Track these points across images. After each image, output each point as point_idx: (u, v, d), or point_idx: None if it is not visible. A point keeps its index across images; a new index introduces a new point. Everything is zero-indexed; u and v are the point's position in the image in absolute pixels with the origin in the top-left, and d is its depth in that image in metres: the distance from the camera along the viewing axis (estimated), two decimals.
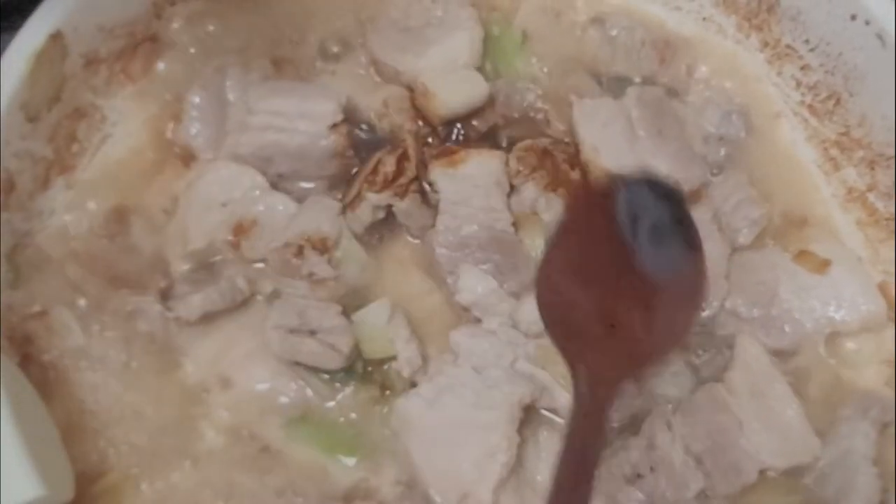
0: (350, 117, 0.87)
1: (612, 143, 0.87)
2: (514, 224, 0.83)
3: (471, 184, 0.83)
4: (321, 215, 0.82)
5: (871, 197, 0.89)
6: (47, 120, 0.80)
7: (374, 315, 0.79)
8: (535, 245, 0.83)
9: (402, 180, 0.82)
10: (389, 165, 0.83)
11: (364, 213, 0.82)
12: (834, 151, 0.92)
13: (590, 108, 0.89)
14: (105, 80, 0.85)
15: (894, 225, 0.87)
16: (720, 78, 0.96)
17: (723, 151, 0.91)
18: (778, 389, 0.78)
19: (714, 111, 0.92)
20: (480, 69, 0.91)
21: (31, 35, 0.76)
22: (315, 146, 0.84)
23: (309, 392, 0.78)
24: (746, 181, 0.88)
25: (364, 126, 0.89)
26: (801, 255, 0.85)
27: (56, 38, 0.78)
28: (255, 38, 0.91)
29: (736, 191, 0.88)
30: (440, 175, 0.84)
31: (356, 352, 0.78)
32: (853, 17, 0.85)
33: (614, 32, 0.94)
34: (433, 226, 0.83)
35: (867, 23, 0.84)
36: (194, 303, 0.77)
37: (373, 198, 0.82)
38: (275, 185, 0.85)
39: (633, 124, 0.88)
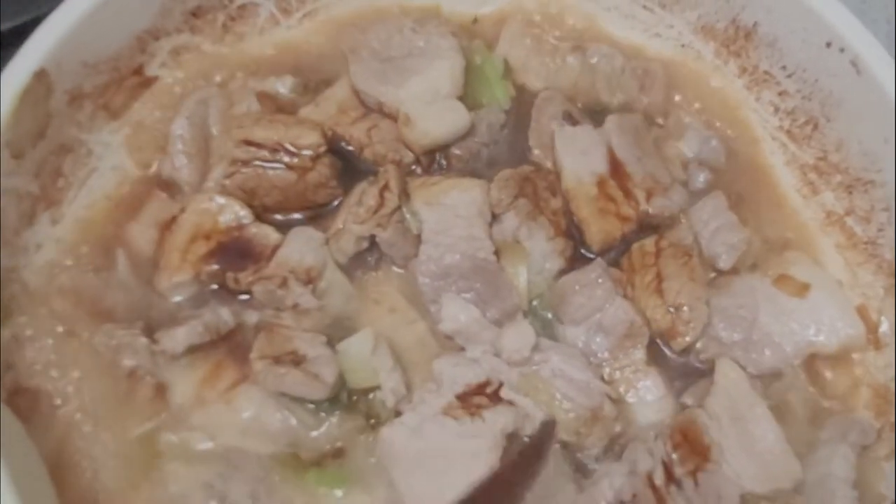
0: (333, 148, 0.88)
1: (591, 171, 0.88)
2: (496, 252, 0.84)
3: (453, 213, 0.84)
4: (305, 246, 0.83)
5: (849, 221, 0.90)
6: (32, 156, 0.81)
7: (358, 345, 0.79)
8: (517, 273, 0.84)
9: (385, 211, 0.83)
10: (372, 196, 0.83)
11: (347, 244, 0.83)
12: (812, 176, 0.93)
13: (570, 135, 0.90)
14: (90, 115, 0.86)
15: (872, 249, 0.89)
16: (699, 104, 0.97)
17: (702, 177, 0.93)
18: (758, 414, 0.79)
19: (693, 136, 0.94)
20: (462, 98, 0.91)
21: (15, 74, 0.77)
22: (300, 178, 0.85)
23: (293, 421, 0.78)
24: (725, 206, 0.89)
25: (348, 156, 0.90)
26: (781, 280, 0.86)
27: (40, 76, 0.78)
28: (236, 72, 0.92)
29: (715, 216, 0.89)
30: (422, 205, 0.84)
31: (341, 382, 0.79)
32: (828, 45, 0.86)
33: (594, 60, 0.96)
34: (416, 255, 0.84)
35: (842, 50, 0.85)
36: (179, 336, 0.78)
37: (356, 229, 0.83)
38: (259, 217, 0.85)
39: (614, 150, 0.89)
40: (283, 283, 0.80)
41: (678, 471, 0.76)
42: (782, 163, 0.95)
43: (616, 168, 0.88)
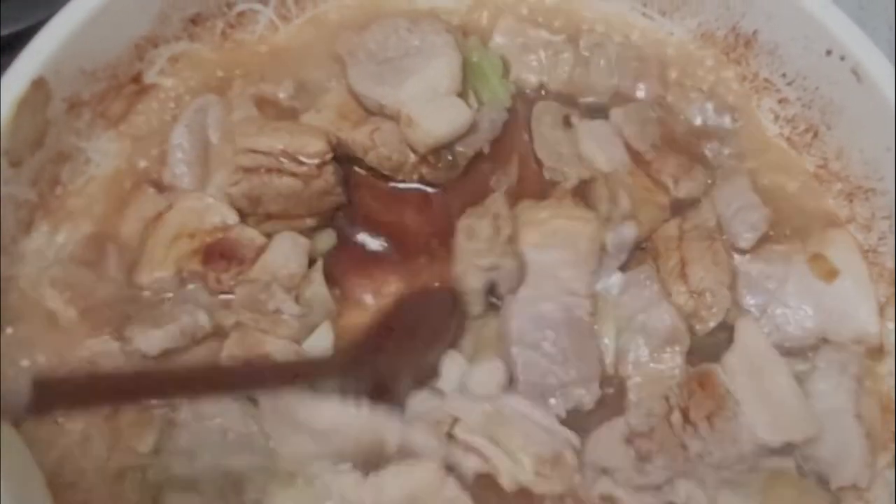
0: (337, 153, 0.87)
1: (620, 161, 0.89)
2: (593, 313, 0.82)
3: (560, 259, 0.82)
4: (290, 252, 0.82)
5: (849, 229, 0.90)
6: (30, 164, 0.80)
7: (319, 341, 0.80)
8: (608, 336, 0.83)
9: (502, 238, 0.82)
10: (486, 227, 0.83)
11: (476, 282, 0.82)
12: (813, 184, 0.93)
13: (589, 129, 0.91)
14: (88, 123, 0.85)
15: (872, 257, 0.88)
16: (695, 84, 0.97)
17: (712, 147, 0.92)
18: (776, 369, 0.79)
19: (696, 110, 0.94)
20: (462, 95, 0.90)
21: (14, 82, 0.76)
22: (305, 185, 0.84)
23: (255, 428, 0.76)
24: (748, 187, 0.89)
25: (351, 161, 0.89)
26: (815, 259, 0.86)
27: (39, 83, 0.78)
28: (235, 79, 0.92)
29: (737, 196, 0.88)
30: (530, 247, 0.83)
31: None
32: (829, 53, 0.86)
33: (588, 52, 0.96)
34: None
35: (842, 58, 0.85)
36: (154, 339, 0.77)
37: (481, 262, 0.81)
38: (261, 223, 0.85)
39: (628, 142, 0.90)
40: (266, 288, 0.80)
41: (694, 414, 0.76)
42: None
43: (636, 158, 0.90)
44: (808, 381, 0.81)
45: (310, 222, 0.86)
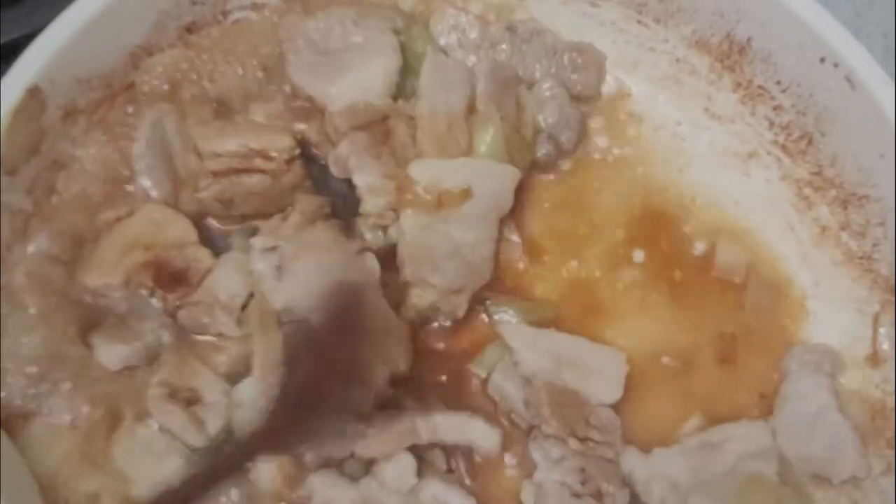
0: (305, 149, 0.87)
1: (447, 108, 0.87)
2: None
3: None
4: (234, 272, 0.81)
5: (844, 236, 0.90)
6: (25, 172, 0.81)
7: (251, 388, 0.77)
8: None
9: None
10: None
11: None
12: (807, 191, 0.93)
13: (441, 65, 0.89)
14: (83, 131, 0.85)
15: (867, 264, 0.89)
16: None
17: (546, 149, 0.92)
18: (550, 339, 0.82)
19: (555, 111, 0.92)
20: (408, 85, 0.90)
21: (8, 91, 0.77)
22: (276, 182, 0.84)
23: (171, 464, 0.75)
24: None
25: (314, 154, 0.89)
26: None
27: (34, 92, 0.78)
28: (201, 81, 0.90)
29: None
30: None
31: (227, 432, 0.76)
32: (822, 60, 0.86)
33: (525, 45, 0.94)
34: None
35: (836, 65, 0.85)
36: (119, 355, 0.77)
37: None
38: (238, 223, 0.86)
39: (475, 95, 0.89)
40: (209, 311, 0.79)
41: (580, 430, 0.77)
42: (777, 177, 0.95)
43: (471, 113, 0.88)
44: (786, 386, 0.82)
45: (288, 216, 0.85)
